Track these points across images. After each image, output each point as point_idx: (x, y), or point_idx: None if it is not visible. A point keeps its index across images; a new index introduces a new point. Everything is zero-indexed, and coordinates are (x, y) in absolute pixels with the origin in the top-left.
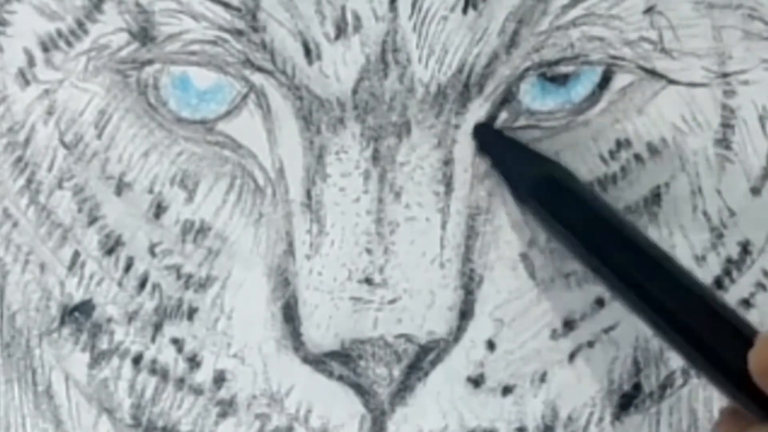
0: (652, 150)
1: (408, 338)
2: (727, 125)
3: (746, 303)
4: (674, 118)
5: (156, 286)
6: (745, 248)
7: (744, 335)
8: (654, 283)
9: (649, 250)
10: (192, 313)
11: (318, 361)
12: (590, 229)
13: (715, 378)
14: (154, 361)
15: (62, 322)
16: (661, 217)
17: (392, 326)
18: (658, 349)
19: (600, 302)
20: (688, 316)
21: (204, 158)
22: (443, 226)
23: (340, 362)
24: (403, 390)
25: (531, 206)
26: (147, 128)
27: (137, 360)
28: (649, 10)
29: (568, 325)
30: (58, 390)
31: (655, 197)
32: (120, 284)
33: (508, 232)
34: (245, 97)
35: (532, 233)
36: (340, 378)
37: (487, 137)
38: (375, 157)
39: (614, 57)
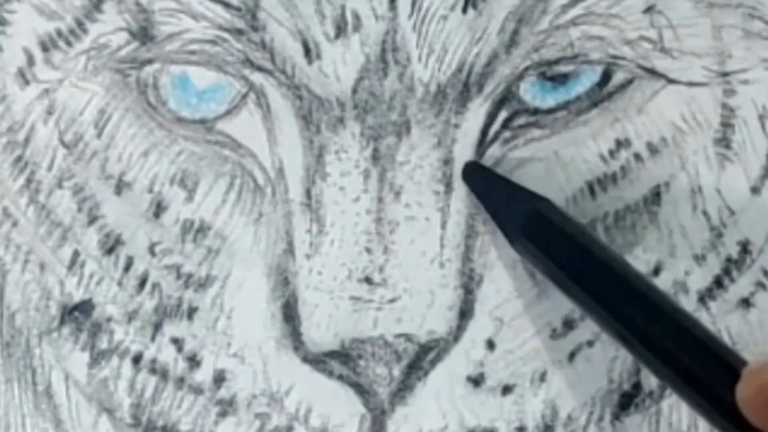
0: (652, 149)
1: (408, 337)
2: (726, 124)
3: (746, 302)
4: (674, 118)
5: (156, 286)
6: (744, 248)
7: (732, 367)
8: (643, 318)
9: (638, 285)
10: (192, 312)
11: (318, 361)
12: (580, 265)
13: (703, 409)
14: (153, 361)
15: (62, 322)
16: (660, 217)
17: (392, 325)
18: None
19: None
20: (678, 350)
21: (204, 158)
22: (443, 226)
23: (340, 362)
24: (403, 389)
25: (521, 243)
26: (147, 128)
27: (137, 359)
28: (648, 10)
29: (568, 324)
30: (57, 389)
31: (654, 196)
32: (120, 284)
33: None
34: (245, 96)
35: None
36: (340, 377)
37: (475, 175)
38: (375, 157)
39: (614, 56)
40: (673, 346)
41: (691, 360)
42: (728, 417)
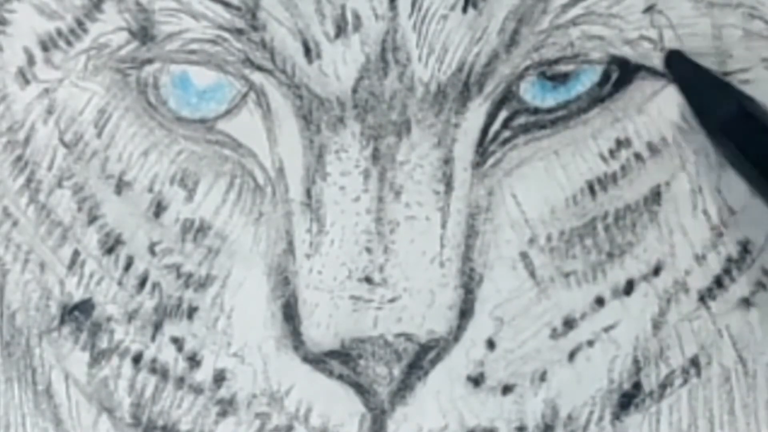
0: (653, 149)
1: (408, 337)
2: None
3: (746, 302)
4: (674, 117)
5: (156, 285)
6: (745, 247)
7: None
8: None
9: None
10: (192, 312)
11: (318, 360)
12: None
13: None
14: (154, 360)
15: (62, 321)
16: (661, 216)
17: (392, 325)
18: (659, 348)
19: (600, 301)
20: None
21: (204, 157)
22: (443, 225)
23: (340, 361)
24: (403, 389)
25: (720, 140)
26: (147, 127)
27: (137, 359)
28: (649, 9)
29: (568, 324)
30: (57, 389)
31: (655, 196)
32: (120, 283)
33: (507, 231)
34: (245, 96)
35: (533, 231)
36: (340, 377)
37: (679, 66)
38: (375, 156)
39: (614, 56)
40: None
41: None
42: None
